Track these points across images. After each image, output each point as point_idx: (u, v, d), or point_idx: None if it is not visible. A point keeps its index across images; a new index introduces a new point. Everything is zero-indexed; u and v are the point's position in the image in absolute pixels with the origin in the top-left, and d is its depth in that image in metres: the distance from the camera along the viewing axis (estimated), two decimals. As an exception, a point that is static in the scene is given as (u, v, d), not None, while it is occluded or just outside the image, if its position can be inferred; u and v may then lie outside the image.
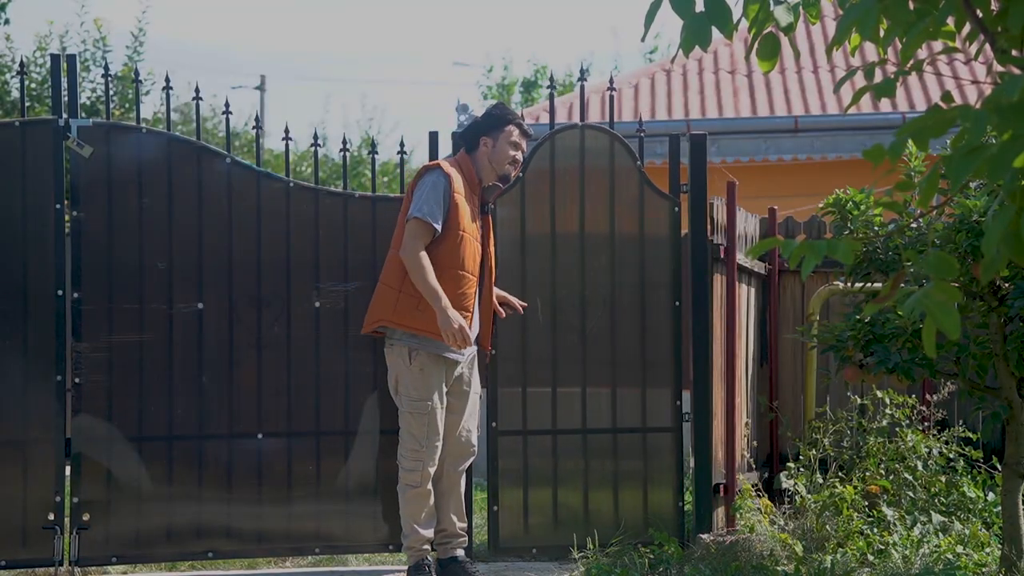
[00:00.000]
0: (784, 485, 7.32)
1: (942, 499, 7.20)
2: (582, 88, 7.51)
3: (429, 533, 6.59)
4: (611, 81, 7.53)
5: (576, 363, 7.11)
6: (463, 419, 6.69)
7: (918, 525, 6.92)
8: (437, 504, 6.66)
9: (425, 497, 6.56)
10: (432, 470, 6.55)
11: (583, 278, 7.14)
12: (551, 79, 7.44)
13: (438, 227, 6.37)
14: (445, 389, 6.58)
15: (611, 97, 7.41)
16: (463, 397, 6.68)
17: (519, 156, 6.65)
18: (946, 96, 3.52)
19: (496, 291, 6.81)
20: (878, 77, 3.38)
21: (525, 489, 7.11)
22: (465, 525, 6.75)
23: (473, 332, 6.54)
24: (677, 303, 7.16)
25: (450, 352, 6.51)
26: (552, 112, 7.45)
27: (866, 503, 7.13)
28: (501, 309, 6.89)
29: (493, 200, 6.79)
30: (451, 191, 6.43)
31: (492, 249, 6.70)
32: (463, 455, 6.72)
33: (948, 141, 3.08)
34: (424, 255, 6.34)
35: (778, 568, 6.56)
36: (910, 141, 2.98)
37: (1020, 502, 6.22)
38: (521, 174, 7.09)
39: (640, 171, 7.18)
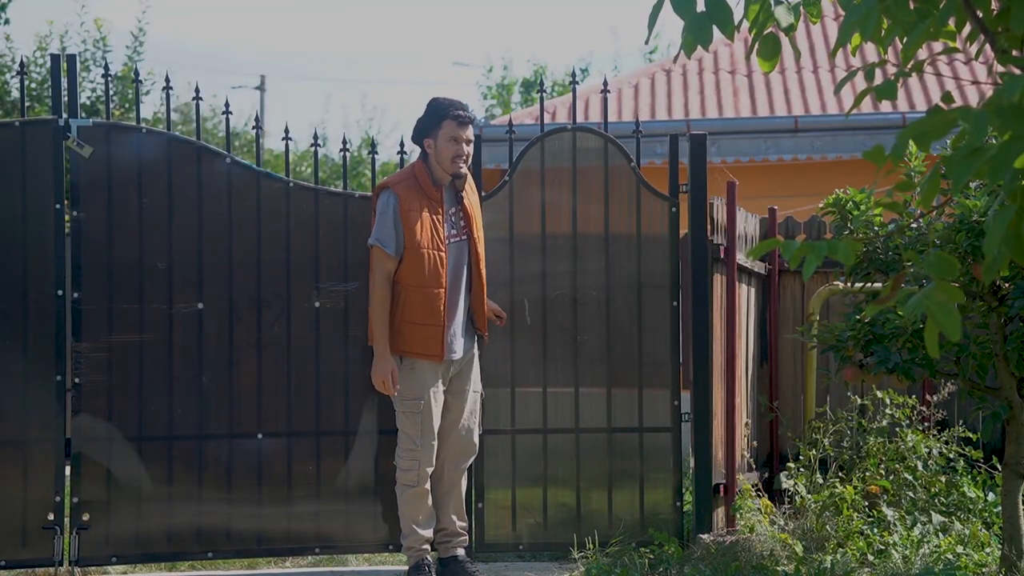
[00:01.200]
0: (784, 485, 7.32)
1: (942, 499, 7.20)
2: (574, 90, 7.51)
3: (428, 533, 6.58)
4: (605, 83, 7.52)
5: (569, 363, 7.11)
6: (463, 418, 6.65)
7: (918, 525, 6.92)
8: (437, 503, 6.64)
9: (423, 497, 6.55)
10: (429, 470, 6.53)
11: (575, 279, 7.13)
12: (541, 84, 7.44)
13: (391, 252, 6.40)
14: (442, 387, 6.57)
15: (605, 99, 7.41)
16: (462, 396, 6.65)
17: (462, 149, 6.51)
18: (946, 96, 3.53)
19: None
20: (878, 78, 3.37)
21: (513, 488, 7.11)
22: (465, 524, 6.73)
23: (456, 341, 6.55)
24: (675, 303, 7.16)
25: (446, 354, 6.53)
26: (541, 114, 7.46)
27: (866, 503, 7.13)
28: (496, 319, 6.88)
29: (462, 188, 6.62)
30: (399, 211, 6.42)
31: (479, 235, 6.63)
32: (463, 454, 6.69)
33: (948, 141, 3.08)
34: (379, 287, 6.43)
35: (778, 568, 6.56)
36: (911, 142, 2.98)
37: (1020, 502, 6.22)
38: (508, 177, 7.10)
39: (635, 172, 7.17)
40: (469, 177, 6.65)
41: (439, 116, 6.50)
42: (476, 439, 6.75)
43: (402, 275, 6.43)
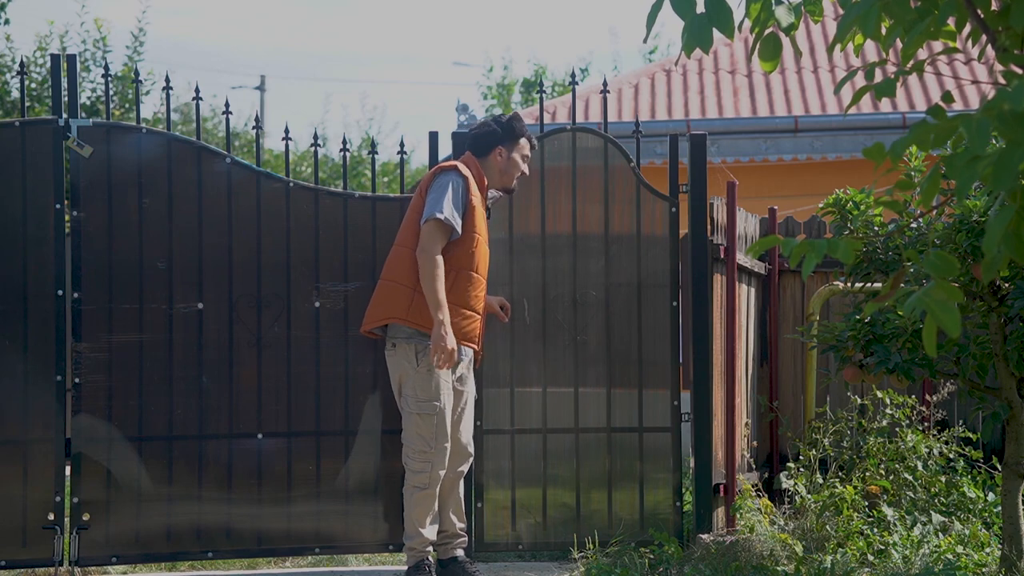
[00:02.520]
0: (784, 485, 7.32)
1: (942, 499, 7.20)
2: (574, 91, 7.51)
3: (432, 535, 6.57)
4: (605, 83, 7.52)
5: (569, 363, 7.11)
6: (462, 420, 6.63)
7: (918, 525, 6.92)
8: (438, 505, 6.63)
9: (433, 499, 6.52)
10: (442, 472, 6.50)
11: (575, 279, 7.13)
12: (541, 84, 7.44)
13: (459, 229, 6.41)
14: (452, 386, 6.57)
15: (604, 99, 7.41)
16: (459, 398, 6.62)
17: (525, 170, 6.74)
18: (946, 96, 3.52)
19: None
20: (878, 77, 3.38)
21: (512, 487, 7.11)
22: (464, 525, 6.71)
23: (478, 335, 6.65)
24: (675, 303, 7.16)
25: (462, 354, 6.56)
26: (541, 115, 7.46)
27: (866, 503, 7.13)
28: (501, 313, 6.92)
29: (486, 206, 6.79)
30: (468, 193, 6.48)
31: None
32: (462, 456, 6.66)
33: (949, 140, 3.08)
34: (441, 260, 6.36)
35: (778, 568, 6.56)
36: (909, 140, 2.99)
37: (1020, 502, 6.22)
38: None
39: (635, 172, 7.17)
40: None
41: (519, 133, 6.69)
42: (471, 444, 6.73)
43: (454, 258, 6.43)
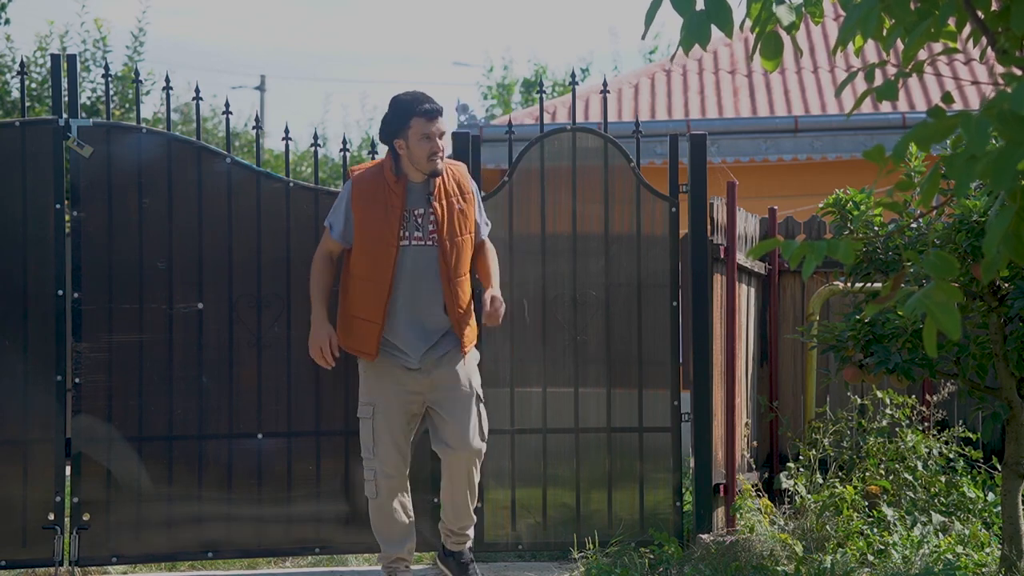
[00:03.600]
0: (784, 485, 7.32)
1: (942, 499, 7.20)
2: (574, 91, 7.50)
3: (400, 551, 6.34)
4: (605, 83, 7.52)
5: (569, 363, 7.11)
6: (448, 422, 6.24)
7: (918, 525, 6.92)
8: (442, 504, 6.42)
9: (388, 511, 6.27)
10: (389, 482, 6.22)
11: (575, 279, 7.13)
12: (541, 84, 7.44)
13: (334, 235, 6.29)
14: (405, 396, 6.23)
15: (604, 99, 7.41)
16: (446, 399, 6.26)
17: (436, 145, 6.13)
18: (946, 97, 3.53)
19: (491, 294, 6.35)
20: (878, 79, 3.38)
21: (512, 488, 7.11)
22: (466, 525, 6.49)
23: (410, 350, 6.21)
24: (675, 303, 7.16)
25: (393, 359, 6.23)
26: (541, 115, 7.45)
27: (866, 503, 7.14)
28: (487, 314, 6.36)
29: (434, 192, 6.24)
30: (351, 200, 6.23)
31: (459, 239, 6.25)
32: (454, 460, 6.27)
33: (949, 141, 3.08)
34: (315, 260, 6.37)
35: (778, 568, 6.56)
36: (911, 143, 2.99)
37: (1020, 502, 6.22)
38: (508, 178, 7.09)
39: (635, 172, 7.17)
40: (461, 179, 6.34)
41: (406, 114, 6.13)
42: (474, 443, 6.28)
43: (351, 266, 6.26)
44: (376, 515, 6.30)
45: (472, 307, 6.38)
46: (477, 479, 6.37)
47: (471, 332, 6.36)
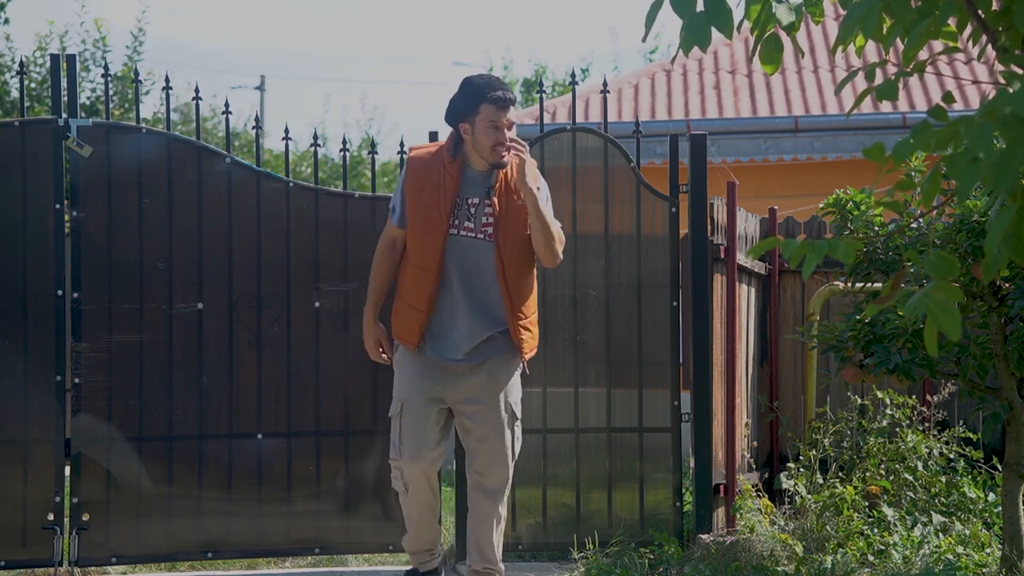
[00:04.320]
0: (784, 485, 7.32)
1: (942, 499, 7.20)
2: (574, 91, 7.50)
3: (416, 546, 6.16)
4: (604, 83, 7.52)
5: (569, 363, 7.10)
6: (477, 440, 5.95)
7: (918, 525, 6.92)
8: (468, 538, 6.11)
9: (410, 507, 6.00)
10: (413, 480, 5.90)
11: (575, 279, 7.13)
12: (541, 84, 7.44)
13: (393, 220, 5.97)
14: (438, 394, 5.89)
15: (604, 99, 7.41)
16: (476, 412, 5.94)
17: (503, 136, 5.77)
18: (947, 97, 3.52)
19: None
20: (879, 78, 3.37)
21: (512, 488, 7.10)
22: (492, 563, 6.05)
23: (451, 342, 5.87)
24: (675, 303, 7.16)
25: (435, 352, 5.89)
26: (541, 115, 7.45)
27: (866, 503, 7.13)
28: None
29: (496, 185, 5.91)
30: (406, 182, 5.91)
31: (516, 235, 5.90)
32: (477, 483, 5.99)
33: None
34: (379, 250, 6.06)
35: (778, 568, 6.55)
36: (911, 142, 2.98)
37: (1020, 502, 6.22)
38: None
39: (635, 172, 7.17)
40: (528, 168, 5.84)
41: (476, 99, 5.75)
42: (501, 465, 5.95)
43: (407, 251, 5.94)
44: (405, 506, 6.05)
45: (536, 314, 6.01)
46: (504, 512, 6.04)
47: (531, 341, 5.95)
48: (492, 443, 5.92)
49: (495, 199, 5.82)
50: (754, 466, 7.73)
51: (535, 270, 6.06)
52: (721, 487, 7.31)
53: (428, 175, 5.84)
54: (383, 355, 6.06)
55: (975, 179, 2.79)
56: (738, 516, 7.16)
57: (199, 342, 6.84)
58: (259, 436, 6.88)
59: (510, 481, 6.00)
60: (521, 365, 5.97)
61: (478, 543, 5.99)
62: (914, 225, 6.33)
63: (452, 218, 5.80)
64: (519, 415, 5.96)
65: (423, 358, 5.88)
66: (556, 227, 5.96)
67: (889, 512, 7.01)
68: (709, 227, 7.25)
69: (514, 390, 5.93)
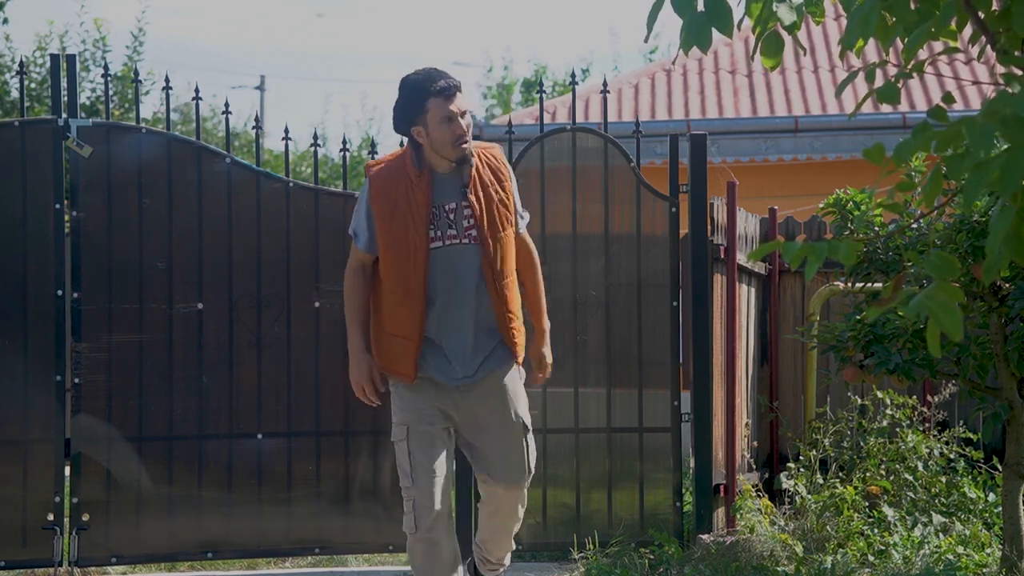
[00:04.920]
0: (784, 485, 7.32)
1: (943, 500, 7.20)
2: (574, 91, 7.50)
3: None
4: (604, 83, 7.52)
5: (569, 363, 7.10)
6: (490, 454, 5.38)
7: (919, 526, 6.92)
8: (479, 529, 5.67)
9: (426, 548, 5.29)
10: (431, 517, 5.22)
11: (575, 279, 7.13)
12: (541, 84, 7.44)
13: (360, 245, 5.34)
14: (443, 416, 5.33)
15: (604, 99, 7.41)
16: (486, 432, 5.38)
17: (460, 127, 5.23)
18: (947, 97, 3.52)
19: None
20: (879, 79, 3.37)
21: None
22: (504, 554, 5.73)
23: (455, 363, 5.30)
24: (675, 303, 7.16)
25: (438, 374, 5.32)
26: (541, 115, 7.46)
27: (866, 504, 7.13)
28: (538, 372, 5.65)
29: (469, 184, 5.35)
30: (370, 201, 5.31)
31: (502, 234, 5.34)
32: (499, 498, 5.44)
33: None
34: (347, 278, 5.39)
35: (778, 569, 6.55)
36: (912, 143, 2.98)
37: (1021, 503, 6.21)
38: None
39: (635, 172, 7.17)
40: (497, 164, 5.42)
41: (420, 97, 5.23)
42: (518, 480, 5.42)
43: (380, 276, 5.34)
44: (413, 553, 5.32)
45: (522, 312, 5.48)
46: (522, 512, 5.56)
47: (522, 340, 5.44)
48: (508, 459, 5.38)
49: (472, 198, 5.29)
50: (754, 466, 7.73)
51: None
52: (721, 487, 7.31)
53: (396, 192, 5.28)
54: (376, 395, 5.40)
55: (982, 184, 2.79)
56: (738, 516, 7.16)
57: (199, 342, 6.84)
58: (259, 436, 6.88)
59: (527, 484, 5.49)
60: (521, 371, 5.48)
61: (494, 537, 5.60)
62: (914, 225, 6.33)
63: (433, 230, 5.26)
64: (530, 426, 5.47)
65: (424, 378, 5.32)
66: (541, 282, 5.60)
67: (889, 512, 7.01)
68: (709, 227, 7.25)
69: (522, 401, 5.44)
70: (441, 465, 5.29)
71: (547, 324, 5.60)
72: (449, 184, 5.32)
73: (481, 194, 5.33)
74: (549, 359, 5.60)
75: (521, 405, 5.42)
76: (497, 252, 5.31)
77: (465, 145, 5.26)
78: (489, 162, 5.39)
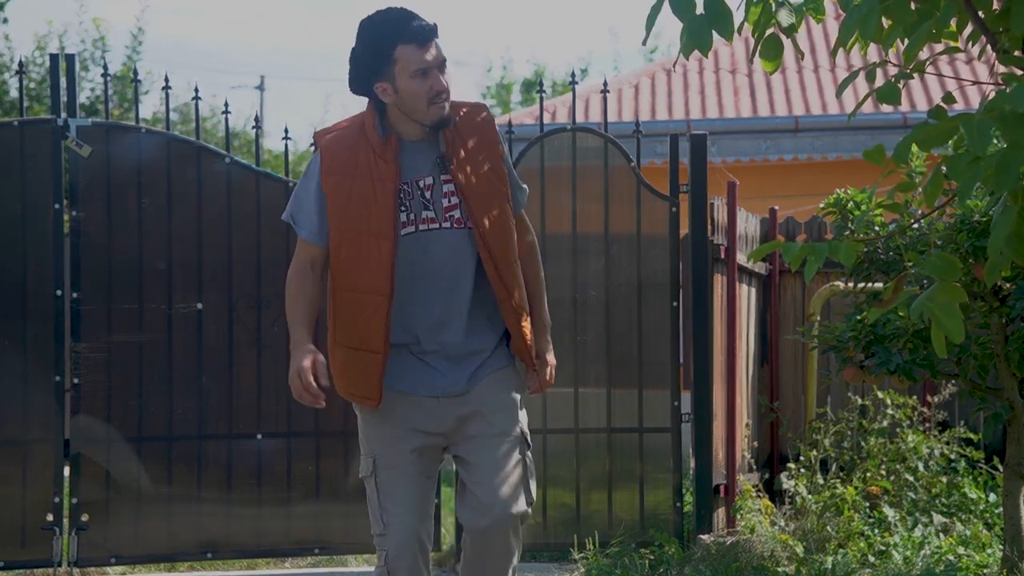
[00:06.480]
0: (785, 486, 7.31)
1: (943, 500, 7.19)
2: (573, 91, 7.51)
3: None
4: (604, 83, 7.52)
5: (569, 363, 7.09)
6: (480, 473, 4.18)
7: (919, 526, 6.92)
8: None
9: None
10: (403, 564, 4.18)
11: (575, 279, 7.12)
12: (541, 84, 7.44)
13: (304, 234, 4.23)
14: (424, 440, 4.22)
15: (604, 99, 7.40)
16: (477, 444, 4.20)
17: (439, 81, 4.09)
18: (947, 97, 3.51)
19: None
20: (880, 79, 3.36)
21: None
22: None
23: (440, 371, 4.22)
24: (675, 303, 7.15)
25: (409, 387, 4.22)
26: (541, 114, 7.46)
27: (867, 504, 7.13)
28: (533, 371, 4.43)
29: (447, 151, 4.18)
30: (318, 184, 4.18)
31: (495, 213, 4.20)
32: (487, 533, 4.18)
33: (950, 141, 3.07)
34: (293, 282, 4.29)
35: (779, 569, 6.54)
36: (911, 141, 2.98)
37: (1021, 503, 6.21)
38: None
39: (635, 172, 7.16)
40: (483, 124, 4.25)
41: (386, 43, 4.09)
42: (514, 504, 4.19)
43: (333, 272, 4.22)
44: None
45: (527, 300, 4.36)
46: (518, 551, 4.30)
47: (528, 335, 4.33)
48: (505, 479, 4.22)
49: (454, 170, 4.16)
50: (754, 466, 7.72)
51: None
52: (721, 487, 7.30)
53: (354, 165, 4.14)
54: (320, 395, 4.29)
55: (976, 180, 2.79)
56: (738, 516, 7.15)
57: (199, 342, 6.84)
58: (259, 436, 6.88)
59: (527, 516, 4.30)
60: (522, 379, 4.38)
61: None
62: (915, 225, 6.32)
63: (404, 213, 4.14)
64: (531, 442, 4.33)
65: (394, 393, 4.24)
66: (542, 278, 4.50)
67: (890, 513, 7.00)
68: (709, 227, 7.24)
69: (523, 410, 4.33)
70: (418, 500, 4.23)
71: (548, 320, 4.50)
72: (422, 154, 4.18)
73: (467, 165, 4.18)
74: (552, 360, 4.50)
75: (523, 417, 4.31)
76: (494, 232, 4.17)
77: (444, 104, 4.12)
78: (474, 121, 4.23)
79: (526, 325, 4.28)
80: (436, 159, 4.17)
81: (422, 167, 4.17)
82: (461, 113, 4.21)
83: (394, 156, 4.13)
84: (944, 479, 7.26)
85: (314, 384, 4.20)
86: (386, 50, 4.09)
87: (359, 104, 4.26)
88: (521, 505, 4.22)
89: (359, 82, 4.17)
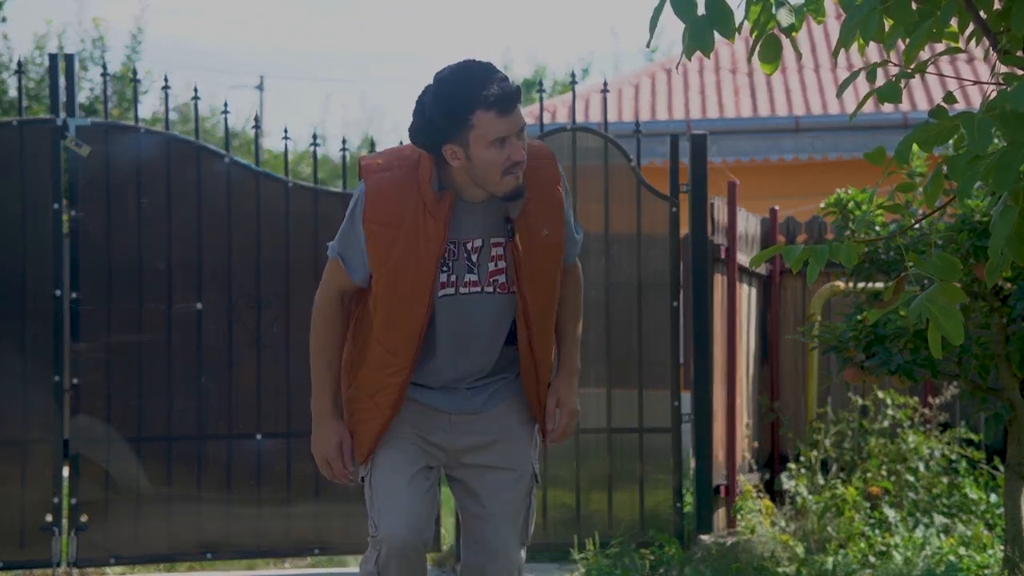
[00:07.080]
0: (785, 486, 7.31)
1: (944, 500, 7.19)
2: (573, 91, 7.50)
3: None
4: (605, 83, 7.52)
5: (571, 363, 7.08)
6: (487, 510, 3.97)
7: (920, 526, 6.91)
8: None
9: None
10: (394, 567, 4.07)
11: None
12: (541, 84, 7.43)
13: (354, 278, 3.89)
14: (423, 446, 3.95)
15: (605, 98, 7.40)
16: (487, 477, 3.97)
17: (517, 150, 3.69)
18: (948, 97, 3.50)
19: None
20: (880, 79, 3.36)
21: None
22: None
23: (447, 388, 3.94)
24: (676, 303, 7.15)
25: (425, 399, 3.95)
26: (541, 114, 7.46)
27: (868, 504, 7.12)
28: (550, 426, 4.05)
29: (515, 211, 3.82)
30: (362, 226, 3.84)
31: (544, 285, 3.88)
32: (485, 568, 3.99)
33: (951, 141, 3.07)
34: (320, 311, 3.94)
35: (779, 570, 6.54)
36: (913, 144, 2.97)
37: (1022, 503, 6.20)
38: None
39: (635, 172, 7.16)
40: (547, 178, 3.89)
41: (464, 106, 3.67)
42: (513, 550, 4.02)
43: (361, 318, 3.97)
44: None
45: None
46: None
47: (541, 404, 4.04)
48: (514, 523, 4.04)
49: (517, 238, 3.83)
50: (755, 467, 7.72)
51: None
52: (722, 488, 7.30)
53: (399, 217, 3.80)
54: (342, 472, 4.04)
55: (975, 179, 2.78)
56: (739, 517, 7.15)
57: (198, 342, 6.83)
58: (258, 436, 6.87)
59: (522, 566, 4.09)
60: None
61: None
62: (916, 226, 6.32)
63: (445, 273, 3.83)
64: (539, 479, 4.12)
65: (408, 400, 3.97)
66: (579, 323, 4.18)
67: (890, 513, 7.00)
68: (710, 227, 7.24)
69: (534, 445, 4.07)
70: (411, 511, 4.00)
71: (577, 365, 4.13)
72: (476, 215, 3.83)
73: (525, 229, 3.84)
74: (575, 408, 4.07)
75: (535, 452, 4.06)
76: (537, 307, 3.89)
77: (519, 175, 3.74)
78: (537, 179, 3.85)
79: (543, 394, 4.01)
80: (493, 221, 3.83)
81: (473, 228, 3.83)
82: (530, 166, 3.80)
83: (446, 216, 3.77)
84: (945, 479, 7.26)
85: (343, 468, 4.02)
86: (462, 114, 3.67)
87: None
88: (522, 548, 4.08)
89: (426, 139, 3.75)
